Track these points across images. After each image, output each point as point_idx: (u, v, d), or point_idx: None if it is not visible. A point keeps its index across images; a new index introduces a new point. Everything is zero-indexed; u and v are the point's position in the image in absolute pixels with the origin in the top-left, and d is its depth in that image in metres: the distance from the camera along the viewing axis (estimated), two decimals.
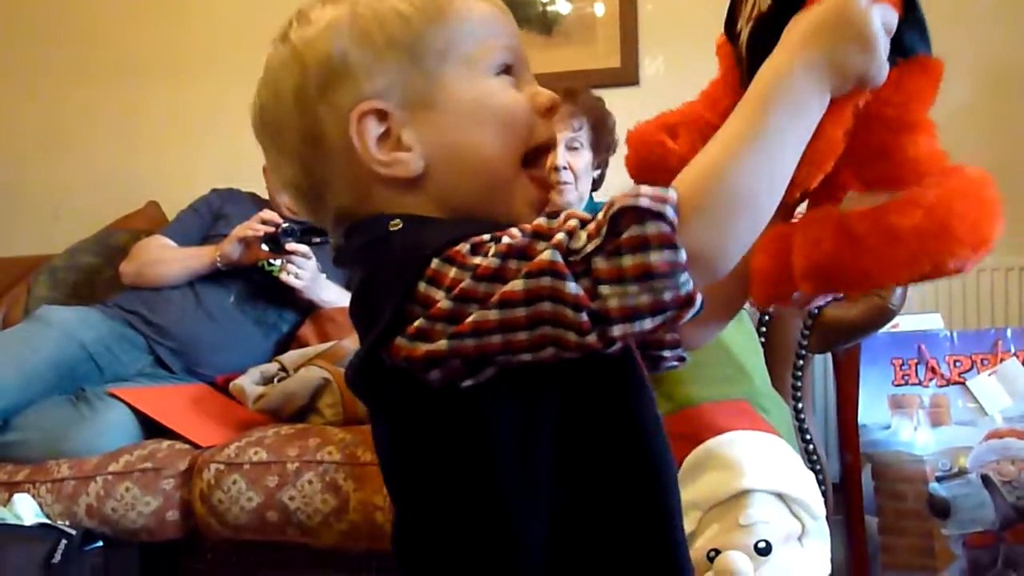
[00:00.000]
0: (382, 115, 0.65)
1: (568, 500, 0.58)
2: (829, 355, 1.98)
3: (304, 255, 2.05)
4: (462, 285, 0.53)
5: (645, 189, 0.52)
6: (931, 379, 1.77)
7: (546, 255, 0.52)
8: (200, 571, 1.74)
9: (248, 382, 1.85)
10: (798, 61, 0.55)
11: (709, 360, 1.45)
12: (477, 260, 0.54)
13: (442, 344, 0.54)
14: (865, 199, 0.62)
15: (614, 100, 1.98)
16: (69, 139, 2.88)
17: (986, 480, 1.71)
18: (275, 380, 1.86)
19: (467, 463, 0.58)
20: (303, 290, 2.06)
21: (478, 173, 0.65)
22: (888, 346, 1.78)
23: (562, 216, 0.55)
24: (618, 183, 2.00)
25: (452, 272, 0.54)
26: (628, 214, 0.51)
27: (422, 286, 0.55)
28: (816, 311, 1.66)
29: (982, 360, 1.77)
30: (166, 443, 1.77)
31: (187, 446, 1.77)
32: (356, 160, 0.65)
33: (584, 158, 1.91)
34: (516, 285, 0.52)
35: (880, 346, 1.77)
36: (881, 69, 0.57)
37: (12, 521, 1.59)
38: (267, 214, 2.08)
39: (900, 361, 1.78)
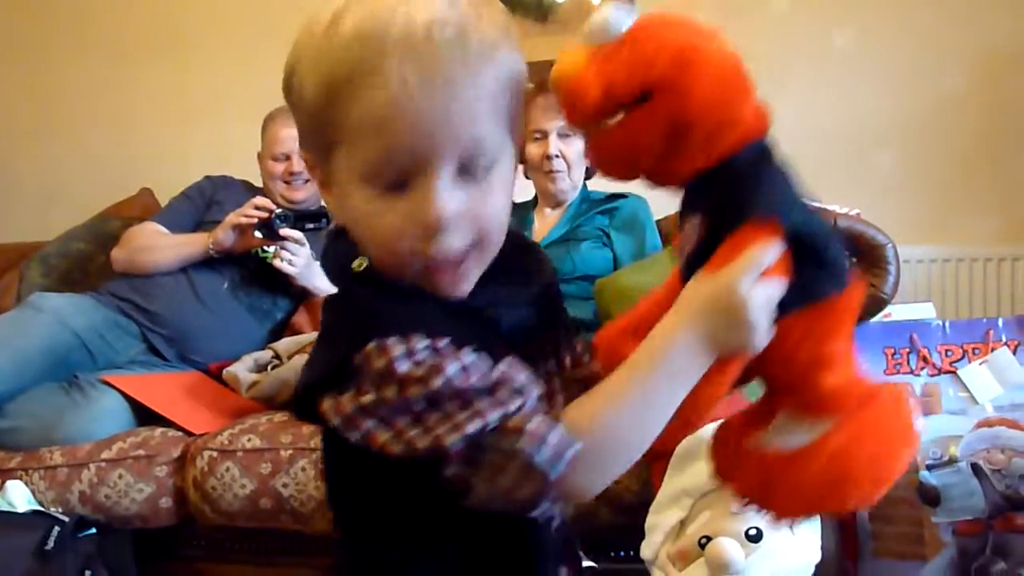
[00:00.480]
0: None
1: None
2: None
3: (297, 241, 2.05)
4: (384, 398, 0.59)
5: (552, 438, 0.58)
6: (923, 368, 1.78)
7: (450, 442, 0.58)
8: (194, 557, 1.75)
9: (242, 369, 1.85)
10: (682, 334, 0.61)
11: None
12: (399, 378, 0.58)
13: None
14: (790, 424, 0.68)
15: None
16: (62, 124, 2.87)
17: (976, 469, 1.72)
18: (269, 367, 1.86)
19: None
20: (297, 276, 2.06)
21: (374, 257, 0.65)
22: (880, 335, 1.78)
23: (493, 383, 0.59)
24: None
25: (380, 364, 0.59)
26: (519, 457, 0.57)
27: (356, 360, 0.60)
28: None
29: (974, 349, 1.78)
30: (159, 430, 1.77)
31: (180, 433, 1.77)
32: None
33: (576, 146, 1.91)
34: (415, 439, 0.59)
35: (872, 335, 1.78)
36: (759, 342, 0.62)
37: (5, 508, 1.59)
38: (260, 201, 2.07)
39: (892, 350, 1.78)
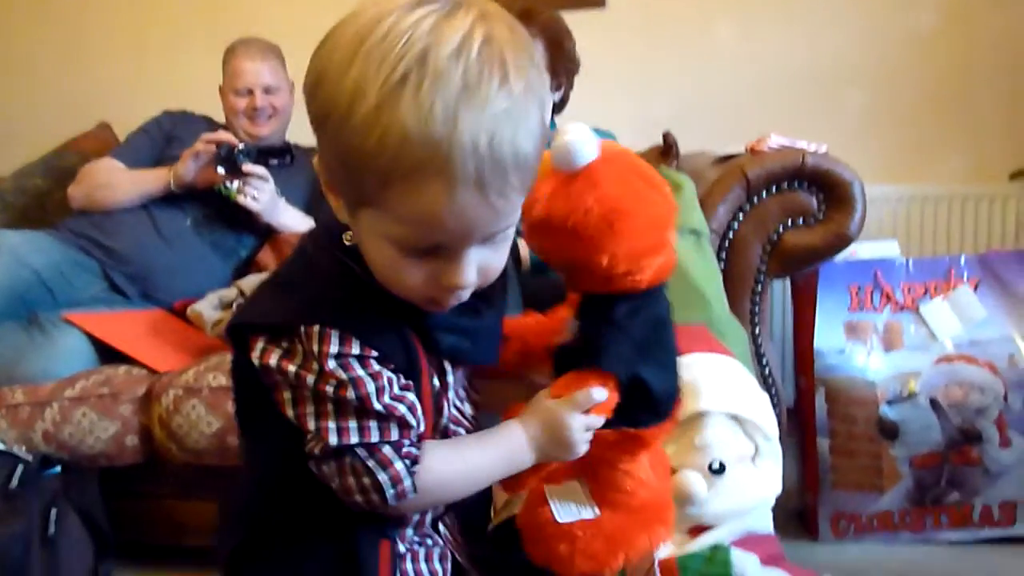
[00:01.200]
0: (323, 173, 0.70)
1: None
2: (787, 281, 2.01)
3: (261, 177, 2.01)
4: (302, 375, 0.69)
5: (404, 482, 0.71)
6: (885, 305, 1.80)
7: (332, 438, 0.69)
8: (161, 495, 1.75)
9: (206, 307, 1.83)
10: (521, 437, 0.78)
11: (669, 285, 1.46)
12: (322, 371, 0.68)
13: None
14: (572, 498, 0.88)
15: (580, 23, 1.94)
16: (14, 57, 2.77)
17: (934, 403, 1.76)
18: (234, 305, 1.84)
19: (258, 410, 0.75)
20: (260, 213, 2.03)
21: (378, 279, 0.70)
22: (845, 272, 1.80)
23: (388, 412, 0.70)
24: (585, 106, 1.98)
25: (314, 349, 0.68)
26: (377, 485, 0.70)
27: (301, 330, 0.69)
28: (776, 237, 1.67)
29: (936, 287, 1.80)
30: (123, 368, 1.75)
31: (144, 372, 1.75)
32: None
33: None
34: (306, 417, 0.70)
35: (837, 272, 1.79)
36: (574, 455, 0.80)
37: None
38: (220, 135, 2.03)
39: (856, 287, 1.80)
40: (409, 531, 0.80)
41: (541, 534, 0.87)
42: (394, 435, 0.71)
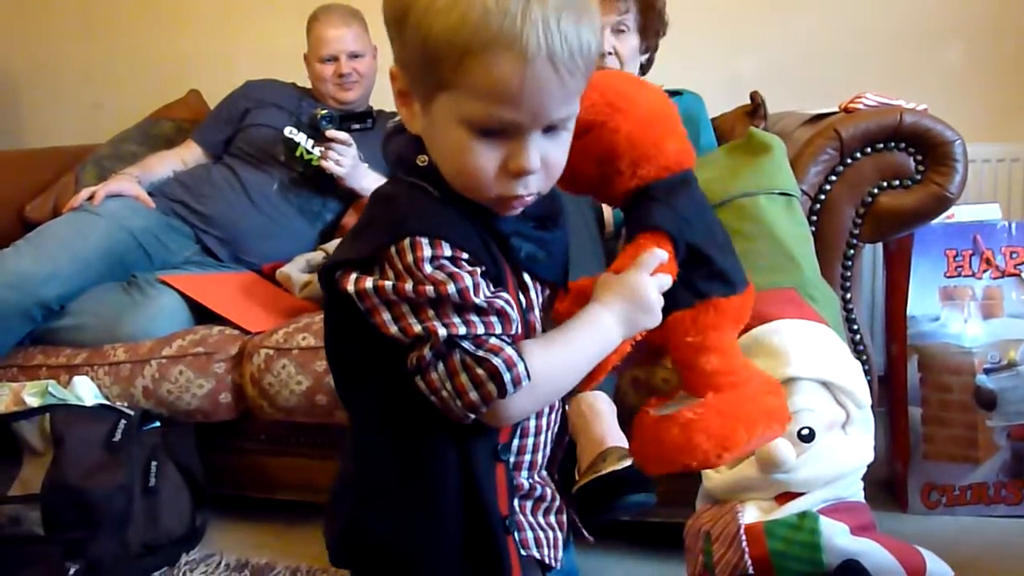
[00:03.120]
0: (400, 77, 0.74)
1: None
2: (880, 245, 1.94)
3: (344, 142, 2.04)
4: (399, 286, 0.70)
5: (519, 366, 0.71)
6: (985, 270, 1.73)
7: (441, 331, 0.70)
8: (253, 451, 1.81)
9: (294, 270, 1.88)
10: (612, 318, 0.78)
11: (758, 249, 1.42)
12: (419, 277, 0.70)
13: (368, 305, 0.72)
14: (683, 400, 0.85)
15: None
16: (109, 26, 2.85)
17: None
18: (316, 270, 1.88)
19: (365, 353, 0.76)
20: (344, 177, 2.06)
21: (451, 178, 0.74)
22: (942, 236, 1.73)
23: (489, 305, 0.71)
24: (671, 66, 1.94)
25: (408, 259, 0.70)
26: (494, 370, 0.70)
27: (391, 250, 0.71)
28: (870, 199, 1.61)
29: None
30: (216, 328, 1.81)
31: (237, 332, 1.81)
32: None
33: (630, 42, 1.84)
34: (411, 324, 0.71)
35: (934, 236, 1.73)
36: (654, 320, 0.80)
37: (74, 402, 1.65)
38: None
39: (954, 252, 1.73)
40: (524, 474, 0.81)
41: (653, 433, 0.83)
42: (497, 328, 0.72)
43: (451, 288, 0.69)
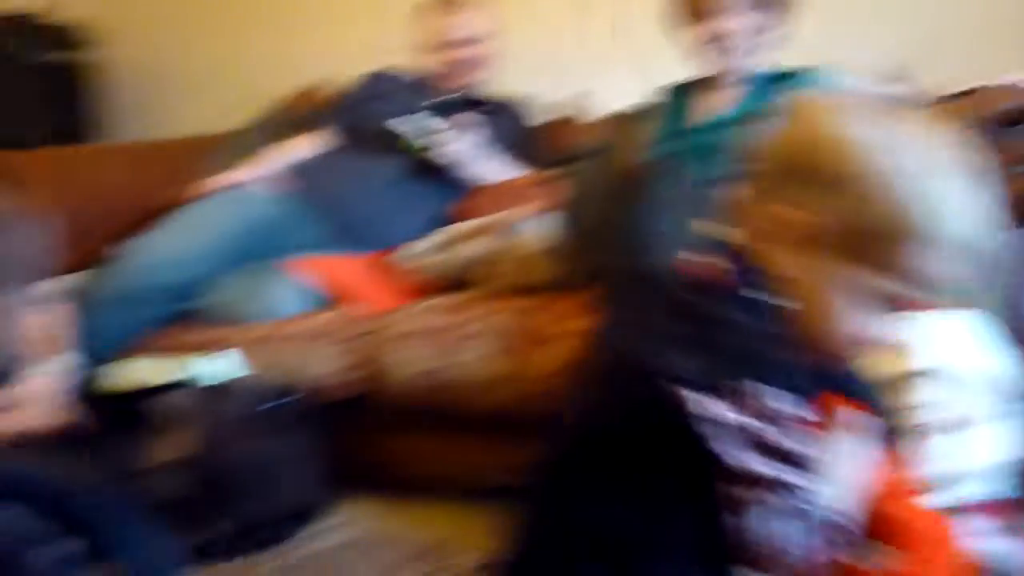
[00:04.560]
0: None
1: None
2: None
3: (460, 129, 2.07)
4: (742, 422, 0.71)
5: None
6: None
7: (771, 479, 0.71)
8: (380, 429, 1.85)
9: (417, 253, 1.92)
10: None
11: None
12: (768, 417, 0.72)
13: None
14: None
15: None
16: (240, 18, 2.96)
17: None
18: (441, 252, 1.92)
19: None
20: (460, 165, 2.09)
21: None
22: None
23: None
24: (809, 41, 1.87)
25: (755, 404, 0.72)
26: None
27: (735, 384, 0.72)
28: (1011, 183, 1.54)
29: None
30: (343, 309, 1.87)
31: (362, 313, 1.86)
32: None
33: (754, 20, 1.80)
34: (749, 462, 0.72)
35: None
36: None
37: (216, 376, 1.74)
38: None
39: None
40: None
41: None
42: (810, 480, 0.74)
43: (787, 443, 0.73)
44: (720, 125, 1.81)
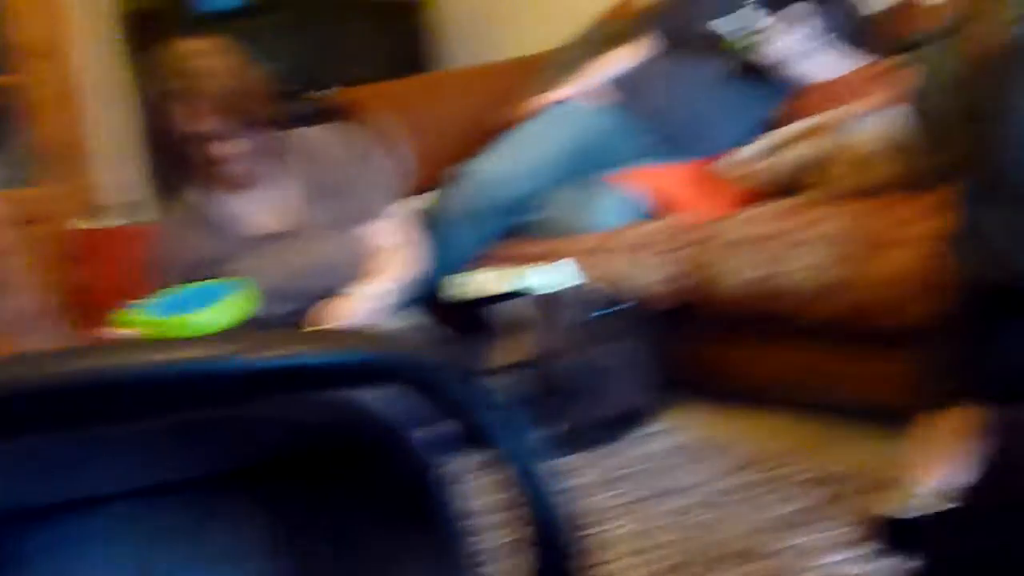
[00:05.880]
0: None
1: None
2: None
3: (783, 25, 1.95)
4: None
5: None
6: None
7: None
8: (709, 338, 1.86)
9: (744, 158, 1.87)
10: None
11: None
12: None
13: None
14: None
15: None
16: None
17: None
18: (769, 156, 1.85)
19: None
20: (788, 63, 1.98)
21: None
22: None
23: None
24: None
25: None
26: None
27: None
28: None
29: None
30: (669, 219, 1.89)
31: (689, 222, 1.86)
32: None
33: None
34: None
35: None
36: None
37: (551, 285, 1.84)
38: None
39: None
40: None
41: None
42: None
43: None
44: None
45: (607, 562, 1.28)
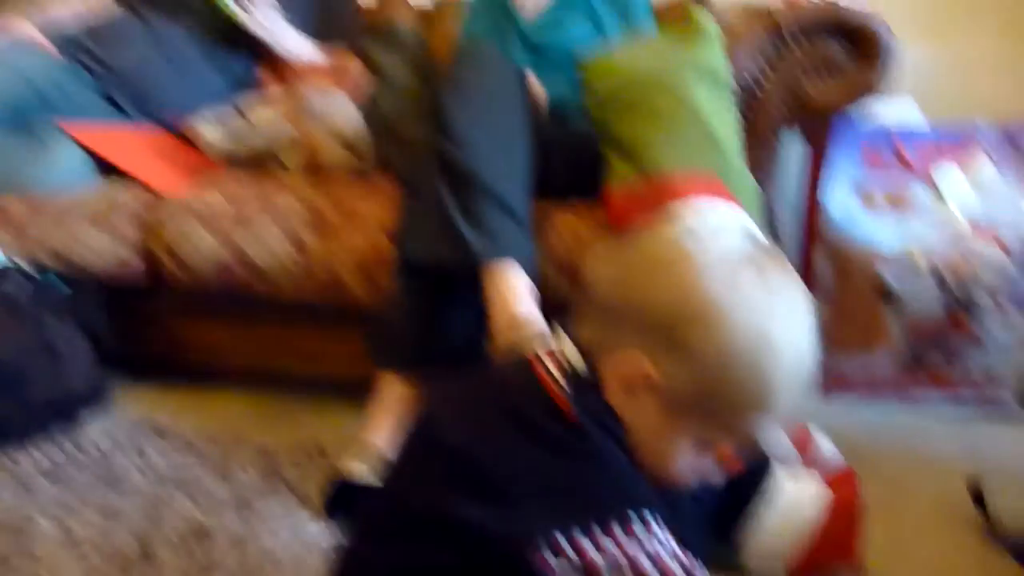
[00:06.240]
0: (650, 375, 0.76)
1: None
2: (802, 137, 1.96)
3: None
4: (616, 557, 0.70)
5: None
6: (898, 167, 1.76)
7: None
8: (163, 315, 1.75)
9: (205, 126, 1.79)
10: None
11: (679, 128, 1.41)
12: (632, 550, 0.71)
13: None
14: None
15: None
16: None
17: (936, 271, 1.75)
18: (233, 125, 1.80)
19: None
20: (263, 33, 1.97)
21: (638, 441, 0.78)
22: (861, 132, 1.75)
23: None
24: None
25: (626, 536, 0.71)
26: None
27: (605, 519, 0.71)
28: (799, 89, 1.61)
29: (953, 153, 1.76)
30: (122, 186, 1.73)
31: (144, 190, 1.72)
32: None
33: None
34: None
35: (852, 131, 1.74)
36: None
37: None
38: None
39: (870, 147, 1.75)
40: None
41: None
42: None
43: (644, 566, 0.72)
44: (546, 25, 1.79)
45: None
